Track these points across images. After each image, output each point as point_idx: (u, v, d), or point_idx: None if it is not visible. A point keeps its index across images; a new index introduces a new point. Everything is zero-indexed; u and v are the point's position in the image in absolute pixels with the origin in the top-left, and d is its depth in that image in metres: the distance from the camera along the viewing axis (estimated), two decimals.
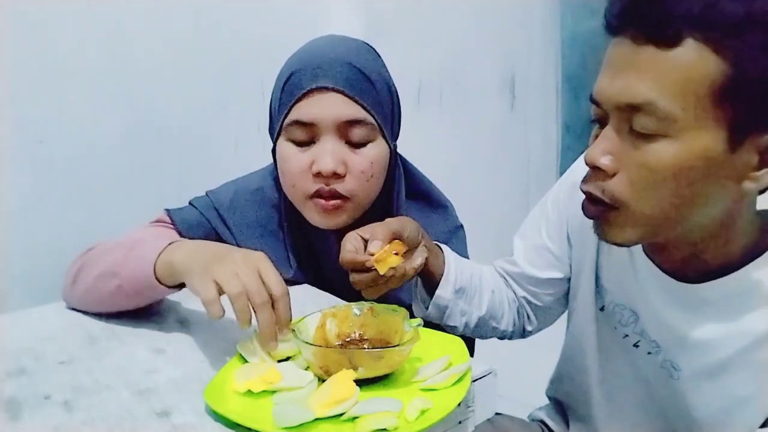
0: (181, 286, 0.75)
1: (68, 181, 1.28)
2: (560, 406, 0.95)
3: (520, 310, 0.92)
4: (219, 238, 0.93)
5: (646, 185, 0.60)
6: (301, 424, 0.57)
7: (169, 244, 0.77)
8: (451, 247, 0.94)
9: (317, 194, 0.84)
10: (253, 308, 0.66)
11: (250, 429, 0.57)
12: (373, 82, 0.85)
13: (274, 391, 0.63)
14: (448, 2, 2.09)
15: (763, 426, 0.66)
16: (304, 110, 0.83)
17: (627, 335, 0.77)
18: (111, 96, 1.32)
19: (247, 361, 0.68)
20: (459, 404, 0.62)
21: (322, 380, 0.63)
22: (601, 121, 0.64)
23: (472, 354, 0.94)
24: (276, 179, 0.96)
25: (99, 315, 0.84)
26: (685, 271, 0.69)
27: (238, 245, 0.93)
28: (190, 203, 0.96)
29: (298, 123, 0.83)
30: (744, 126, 0.58)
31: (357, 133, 0.84)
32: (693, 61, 0.56)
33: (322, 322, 0.70)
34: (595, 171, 0.63)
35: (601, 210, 0.64)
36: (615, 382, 0.80)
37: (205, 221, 0.93)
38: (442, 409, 0.59)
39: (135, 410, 0.62)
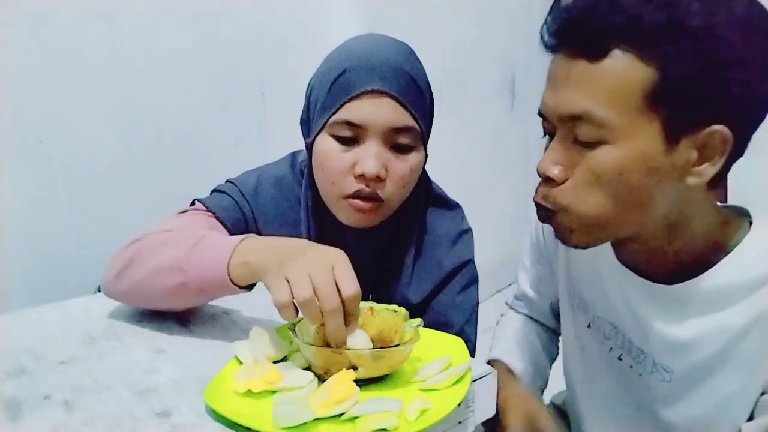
0: (253, 286, 0.74)
1: (68, 181, 1.28)
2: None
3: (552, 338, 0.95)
4: (246, 224, 0.93)
5: (591, 189, 0.63)
6: (301, 424, 0.57)
7: (240, 241, 0.73)
8: (458, 250, 0.95)
9: (355, 195, 0.84)
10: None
11: (250, 429, 0.57)
12: (423, 90, 0.86)
13: (274, 391, 0.63)
14: (448, 2, 2.09)
15: (750, 420, 0.67)
16: (356, 111, 0.82)
17: (612, 348, 0.78)
18: (111, 96, 1.32)
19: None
20: (459, 404, 0.62)
21: (322, 380, 0.63)
22: (551, 134, 0.67)
23: (472, 354, 0.94)
24: (296, 170, 0.96)
25: (99, 315, 0.84)
26: (659, 273, 0.71)
27: (258, 231, 0.92)
28: (216, 190, 0.95)
29: (347, 123, 0.83)
30: (677, 126, 0.60)
31: (403, 140, 0.84)
32: (621, 70, 0.59)
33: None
34: (547, 180, 0.66)
35: (546, 215, 0.68)
36: (604, 398, 0.81)
37: (236, 206, 0.93)
38: (442, 409, 0.59)
39: (135, 410, 0.62)
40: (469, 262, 0.96)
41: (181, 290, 0.75)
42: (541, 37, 0.65)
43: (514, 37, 2.27)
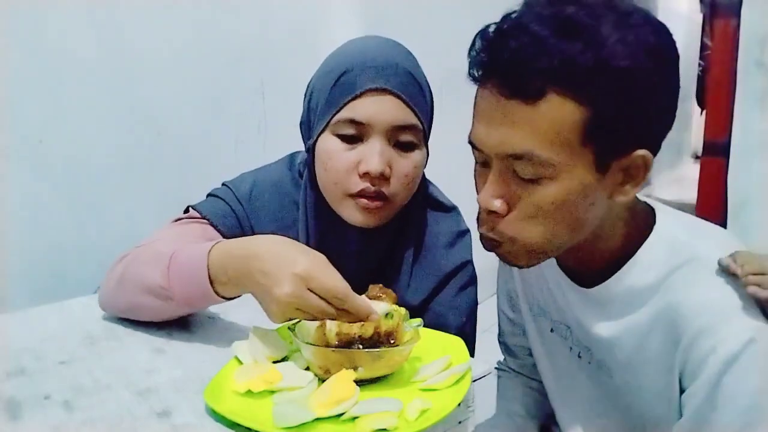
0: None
1: (68, 181, 1.28)
2: None
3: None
4: (241, 228, 0.93)
5: (534, 220, 0.66)
6: (301, 424, 0.57)
7: (208, 254, 0.73)
8: (454, 252, 0.95)
9: (360, 194, 0.84)
10: None
11: (250, 429, 0.57)
12: (423, 89, 0.87)
13: (274, 391, 0.63)
14: (447, 2, 2.09)
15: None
16: (360, 109, 0.83)
17: (571, 347, 0.81)
18: (111, 96, 1.32)
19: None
20: (459, 404, 0.62)
21: (322, 380, 0.64)
22: (485, 163, 0.69)
23: (472, 354, 0.94)
24: (294, 172, 0.95)
25: (99, 315, 0.84)
26: (587, 275, 0.75)
27: (254, 235, 0.91)
28: (211, 194, 0.95)
29: (351, 121, 0.83)
30: (607, 155, 0.64)
31: (406, 138, 0.85)
32: (558, 112, 0.62)
33: (322, 322, 0.70)
34: (489, 213, 0.68)
35: (492, 245, 0.70)
36: (575, 396, 0.83)
37: (231, 211, 0.93)
38: (442, 409, 0.59)
39: (135, 410, 0.62)
40: (468, 263, 0.96)
41: (175, 310, 0.78)
42: (469, 69, 0.67)
43: None
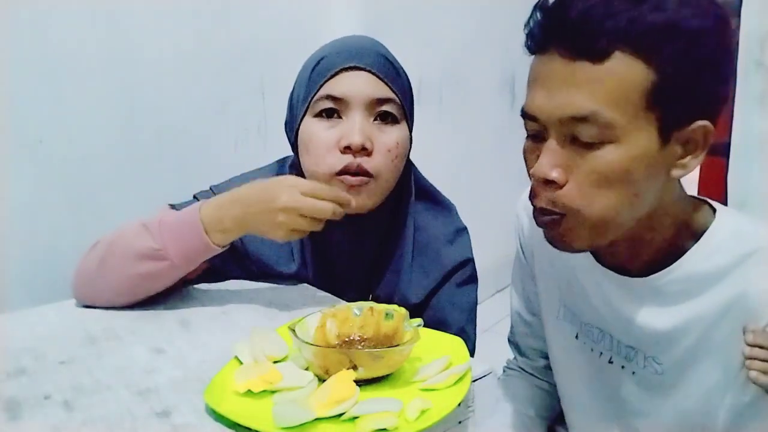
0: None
1: (68, 181, 1.28)
2: None
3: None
4: None
5: (596, 190, 0.64)
6: (301, 424, 0.57)
7: (200, 211, 0.80)
8: (455, 249, 0.94)
9: (344, 170, 0.84)
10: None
11: (250, 429, 0.57)
12: (399, 72, 0.90)
13: (274, 391, 0.63)
14: (448, 2, 2.09)
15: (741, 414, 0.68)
16: (336, 86, 0.85)
17: (602, 353, 0.79)
18: (111, 96, 1.32)
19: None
20: (459, 404, 0.62)
21: (322, 380, 0.64)
22: (538, 135, 0.67)
23: (472, 354, 0.94)
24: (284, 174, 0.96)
25: (99, 315, 0.84)
26: (635, 266, 0.73)
27: (241, 241, 0.91)
28: (194, 197, 0.95)
29: (329, 97, 0.85)
30: (670, 123, 0.63)
31: (385, 110, 0.86)
32: (624, 71, 0.61)
33: (322, 322, 0.70)
34: (546, 184, 0.66)
35: (551, 220, 0.68)
36: (594, 407, 0.82)
37: None
38: (442, 409, 0.59)
39: (135, 410, 0.62)
40: (469, 261, 0.96)
41: (169, 274, 0.82)
42: (530, 36, 0.67)
43: (514, 36, 2.26)
